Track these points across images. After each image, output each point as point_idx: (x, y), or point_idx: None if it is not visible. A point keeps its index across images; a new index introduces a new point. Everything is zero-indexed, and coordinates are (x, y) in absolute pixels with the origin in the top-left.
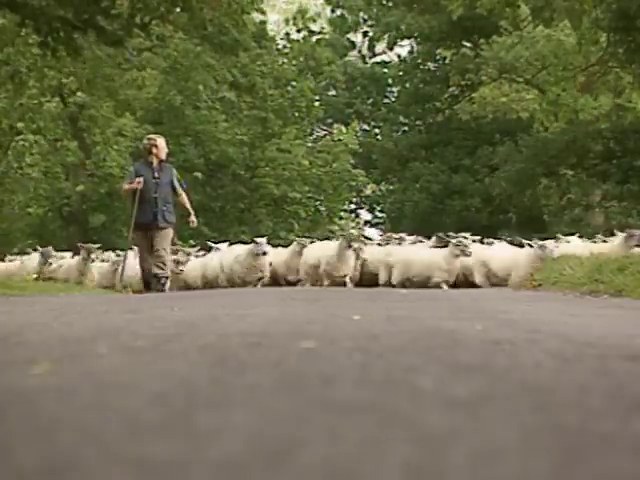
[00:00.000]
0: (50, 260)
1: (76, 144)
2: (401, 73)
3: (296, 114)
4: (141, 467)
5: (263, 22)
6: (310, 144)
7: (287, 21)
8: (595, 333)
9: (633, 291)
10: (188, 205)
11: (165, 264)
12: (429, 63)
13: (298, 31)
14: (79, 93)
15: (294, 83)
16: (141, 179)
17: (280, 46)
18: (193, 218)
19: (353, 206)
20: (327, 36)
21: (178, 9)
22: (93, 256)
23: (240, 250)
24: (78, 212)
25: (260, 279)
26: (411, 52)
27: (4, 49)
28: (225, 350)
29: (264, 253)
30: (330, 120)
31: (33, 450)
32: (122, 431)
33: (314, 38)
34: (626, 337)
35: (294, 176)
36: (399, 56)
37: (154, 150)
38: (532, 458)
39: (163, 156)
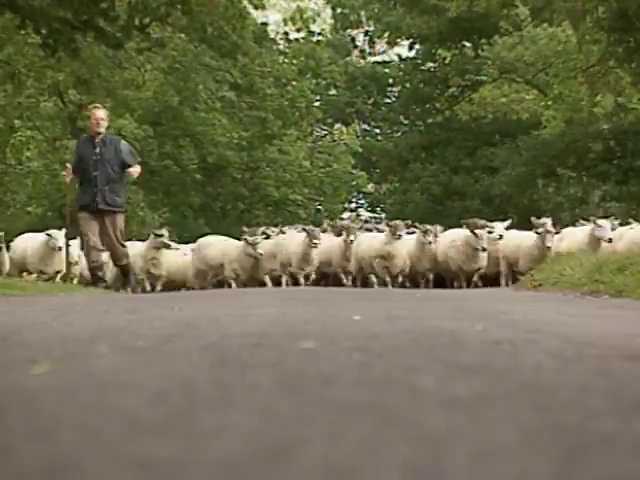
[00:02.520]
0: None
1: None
2: (401, 73)
3: (296, 114)
4: (141, 467)
5: (264, 24)
6: (310, 144)
7: (285, 21)
8: (595, 333)
9: (633, 291)
10: (134, 172)
11: (124, 254)
12: (429, 63)
13: (297, 30)
14: (77, 94)
15: (294, 83)
16: (69, 172)
17: (280, 46)
18: (133, 170)
19: (353, 205)
20: (328, 35)
21: (178, 11)
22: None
23: (456, 235)
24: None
25: (478, 270)
26: (411, 48)
27: (4, 49)
28: (225, 350)
29: (484, 249)
30: (330, 120)
31: (33, 450)
32: (122, 431)
33: (314, 38)
34: (626, 337)
35: (294, 178)
36: (399, 56)
37: (94, 122)
38: (532, 458)
39: (102, 129)
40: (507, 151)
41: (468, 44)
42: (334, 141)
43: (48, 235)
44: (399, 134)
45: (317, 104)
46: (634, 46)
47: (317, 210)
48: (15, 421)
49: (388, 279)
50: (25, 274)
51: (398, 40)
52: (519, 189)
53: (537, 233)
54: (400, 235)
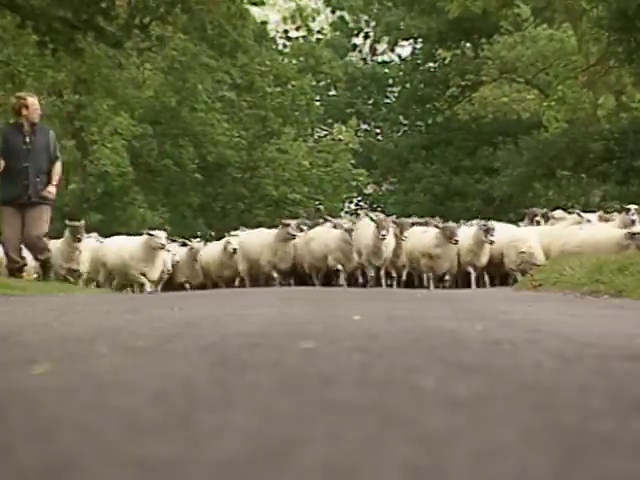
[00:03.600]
0: None
1: (73, 143)
2: (401, 73)
3: (296, 113)
4: (141, 467)
5: (264, 22)
6: (311, 144)
7: (285, 19)
8: (595, 333)
9: (633, 291)
10: (56, 175)
11: (45, 248)
12: (429, 63)
13: (297, 29)
14: (77, 93)
15: (294, 82)
16: None
17: (280, 45)
18: (51, 189)
19: (353, 206)
20: (328, 36)
21: (178, 10)
22: None
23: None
24: (78, 211)
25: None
26: (413, 52)
27: (4, 49)
28: (225, 350)
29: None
30: (330, 120)
31: (33, 450)
32: (122, 431)
33: (314, 37)
34: (626, 337)
35: (294, 177)
36: (399, 56)
37: (24, 111)
38: (532, 458)
39: (36, 118)
40: (507, 151)
41: (468, 44)
42: (334, 140)
43: (150, 234)
44: (399, 134)
45: (317, 104)
46: (634, 46)
47: (317, 209)
48: (15, 421)
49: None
50: (25, 274)
51: (398, 40)
52: (520, 189)
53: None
54: (457, 241)
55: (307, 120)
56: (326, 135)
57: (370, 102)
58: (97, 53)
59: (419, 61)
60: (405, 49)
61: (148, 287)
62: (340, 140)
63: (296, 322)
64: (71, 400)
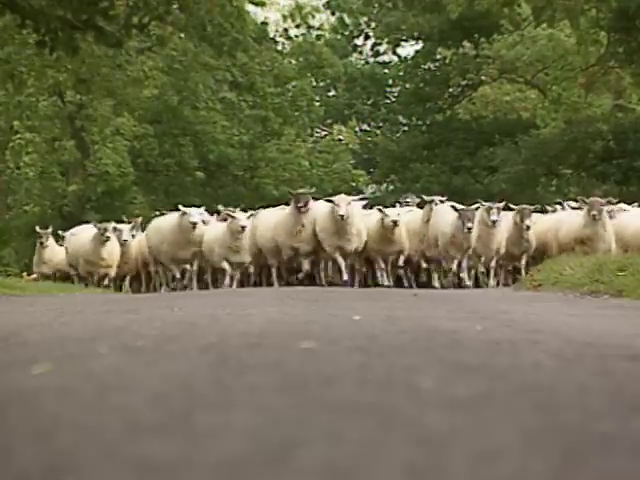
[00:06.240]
0: None
1: (73, 143)
2: (401, 73)
3: (296, 113)
4: (141, 467)
5: (264, 23)
6: (311, 144)
7: (285, 17)
8: (595, 333)
9: (633, 291)
10: None
11: None
12: (429, 63)
13: (297, 27)
14: (77, 93)
15: (294, 83)
16: None
17: (280, 46)
18: None
19: None
20: (327, 36)
21: (176, 9)
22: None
23: None
24: (78, 211)
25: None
26: (417, 51)
27: (4, 48)
28: (225, 350)
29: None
30: (330, 120)
31: (33, 450)
32: (122, 431)
33: (314, 34)
34: (626, 337)
35: (294, 177)
36: (399, 56)
37: None
38: (532, 458)
39: None
40: (507, 150)
41: (469, 44)
42: (333, 140)
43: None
44: (399, 134)
45: (317, 104)
46: (635, 46)
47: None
48: (15, 421)
49: None
50: (25, 274)
51: (399, 42)
52: (519, 188)
53: None
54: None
55: (307, 120)
56: (326, 135)
57: (370, 102)
58: (97, 53)
59: (419, 60)
60: (406, 49)
61: (344, 271)
62: (340, 140)
63: (296, 322)
64: (71, 400)
